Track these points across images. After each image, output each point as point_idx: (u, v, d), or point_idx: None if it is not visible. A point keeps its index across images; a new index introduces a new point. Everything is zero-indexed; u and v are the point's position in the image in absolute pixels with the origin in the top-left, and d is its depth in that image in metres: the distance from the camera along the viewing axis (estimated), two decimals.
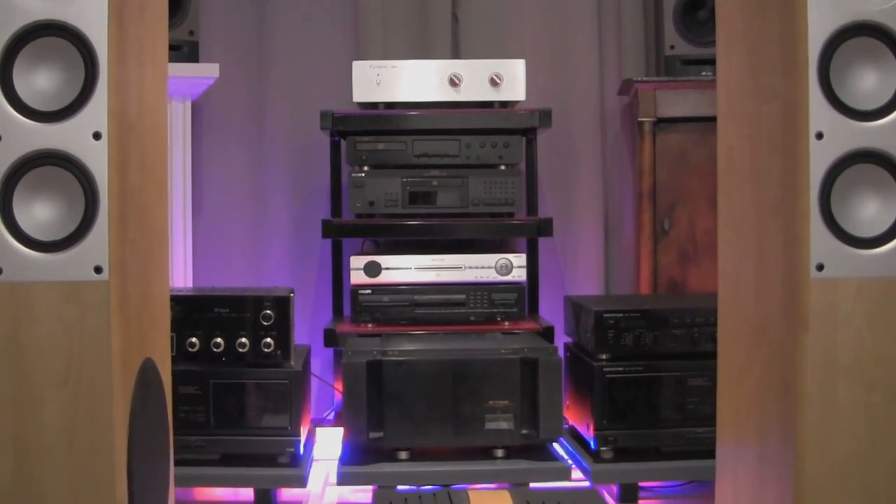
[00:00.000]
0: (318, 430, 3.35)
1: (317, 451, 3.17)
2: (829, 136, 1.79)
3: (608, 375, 2.80)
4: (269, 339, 2.75)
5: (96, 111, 1.72)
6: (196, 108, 3.58)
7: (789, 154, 1.83)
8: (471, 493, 2.04)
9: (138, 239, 1.86)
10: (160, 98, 2.06)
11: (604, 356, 2.83)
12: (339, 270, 3.52)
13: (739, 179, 2.09)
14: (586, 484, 2.84)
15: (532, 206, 3.46)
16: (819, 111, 1.79)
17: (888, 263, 1.81)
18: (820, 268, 1.80)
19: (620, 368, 2.81)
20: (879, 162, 1.81)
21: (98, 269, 1.72)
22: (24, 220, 1.71)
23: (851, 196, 1.81)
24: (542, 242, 3.57)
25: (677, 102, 3.43)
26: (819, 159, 1.80)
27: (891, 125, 1.80)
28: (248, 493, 2.84)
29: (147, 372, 1.90)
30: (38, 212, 1.72)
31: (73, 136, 1.71)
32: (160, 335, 2.06)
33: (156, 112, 2.00)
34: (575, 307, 3.09)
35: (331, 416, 3.60)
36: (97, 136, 1.72)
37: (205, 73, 3.35)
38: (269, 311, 2.75)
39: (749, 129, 2.02)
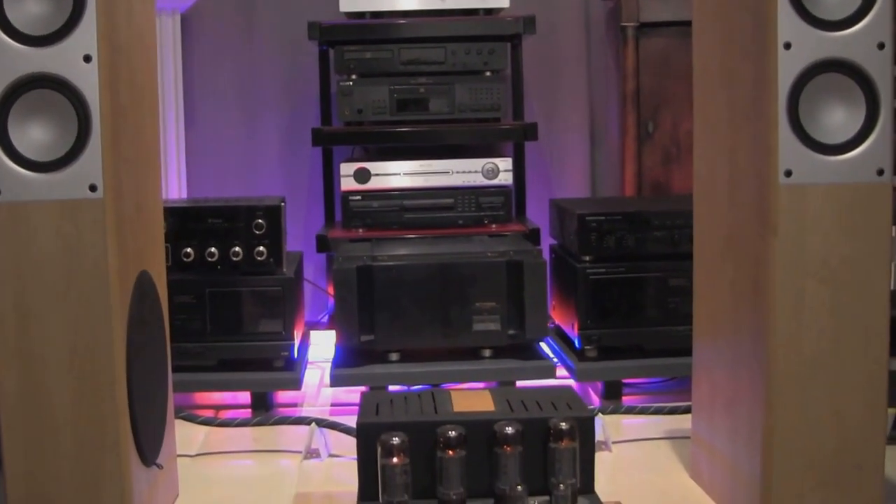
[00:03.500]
0: (312, 333, 3.43)
1: (311, 354, 3.25)
2: (797, 46, 1.84)
3: (591, 277, 2.87)
4: (261, 248, 2.82)
5: (86, 35, 1.76)
6: (185, 21, 3.60)
7: (759, 63, 1.89)
8: (453, 393, 2.11)
9: (131, 157, 1.92)
10: (148, 20, 2.09)
11: (587, 258, 2.90)
12: (329, 178, 3.57)
13: (714, 84, 2.13)
14: (569, 382, 2.93)
15: (518, 111, 3.49)
16: (787, 21, 1.83)
17: (854, 169, 1.87)
18: (788, 174, 1.86)
19: (603, 270, 2.88)
20: (846, 71, 1.86)
21: (93, 188, 1.78)
22: (20, 142, 1.76)
23: (819, 104, 1.86)
24: (529, 147, 3.61)
25: (660, 7, 3.44)
26: (787, 69, 1.85)
27: (857, 35, 1.85)
28: (245, 396, 2.93)
29: (143, 284, 1.97)
30: (34, 134, 1.77)
31: (64, 60, 1.76)
32: (155, 248, 2.13)
33: (144, 34, 2.04)
34: (559, 210, 3.15)
35: (325, 319, 3.67)
36: (87, 58, 1.76)
37: None
38: (260, 221, 2.82)
39: (722, 34, 2.07)
